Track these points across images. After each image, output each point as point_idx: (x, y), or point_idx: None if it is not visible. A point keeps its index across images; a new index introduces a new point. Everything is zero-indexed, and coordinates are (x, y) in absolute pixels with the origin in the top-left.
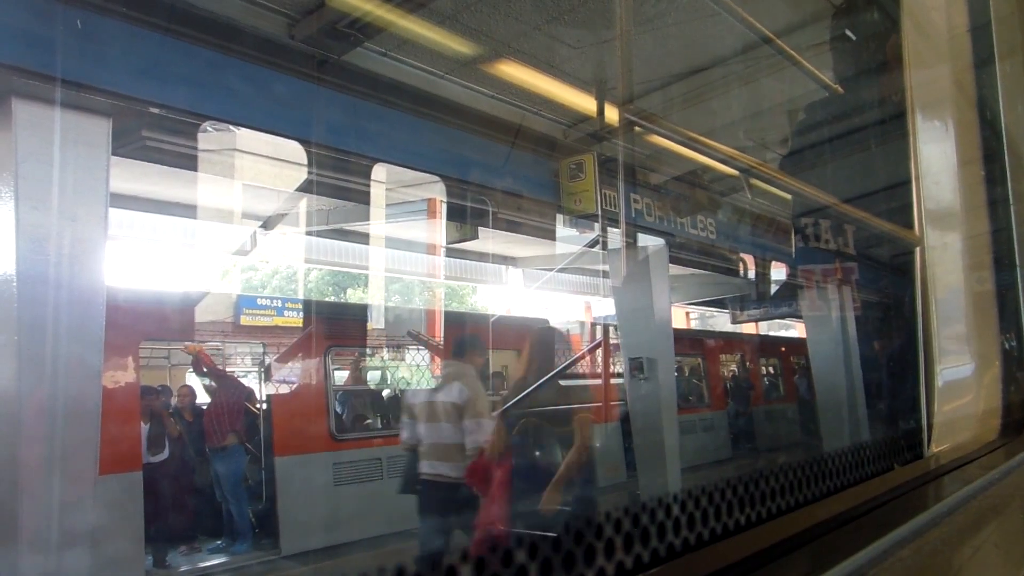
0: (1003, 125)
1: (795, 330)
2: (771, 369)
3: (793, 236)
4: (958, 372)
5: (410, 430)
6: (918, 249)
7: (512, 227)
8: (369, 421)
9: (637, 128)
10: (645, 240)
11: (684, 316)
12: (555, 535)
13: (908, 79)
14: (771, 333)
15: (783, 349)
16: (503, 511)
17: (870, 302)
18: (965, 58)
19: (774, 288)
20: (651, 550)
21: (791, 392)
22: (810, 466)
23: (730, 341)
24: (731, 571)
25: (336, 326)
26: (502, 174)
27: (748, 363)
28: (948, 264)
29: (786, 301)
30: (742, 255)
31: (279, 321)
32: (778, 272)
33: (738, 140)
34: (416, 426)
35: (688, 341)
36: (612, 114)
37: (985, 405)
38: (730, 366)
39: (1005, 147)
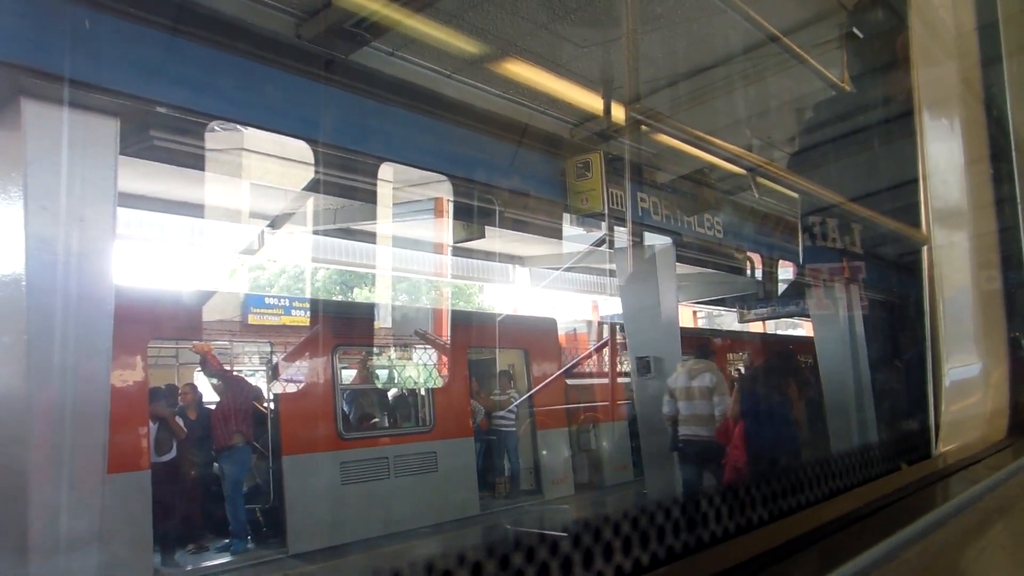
0: (1011, 123)
1: (803, 329)
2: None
3: (800, 235)
4: (966, 371)
5: (672, 406)
6: (925, 248)
7: (519, 226)
8: (376, 420)
9: (644, 127)
10: (652, 239)
11: (691, 315)
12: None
13: (916, 77)
14: (778, 332)
15: (790, 347)
16: (741, 456)
17: (877, 301)
18: (972, 56)
19: (781, 287)
20: (657, 550)
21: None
22: (816, 466)
23: (735, 340)
24: (738, 571)
25: (343, 325)
26: (509, 173)
27: (753, 361)
28: (955, 263)
29: (793, 300)
30: (749, 254)
31: (286, 320)
32: (785, 271)
33: (745, 139)
34: (677, 403)
35: (692, 340)
36: (619, 113)
37: (993, 404)
38: (736, 364)
39: (1013, 145)
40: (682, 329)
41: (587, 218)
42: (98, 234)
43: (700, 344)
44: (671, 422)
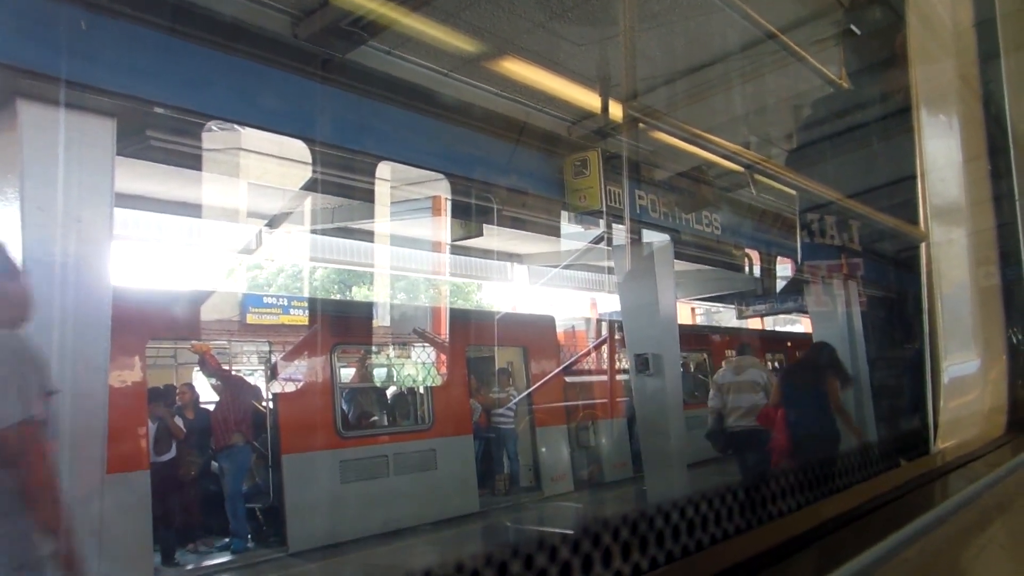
0: (1008, 120)
1: (800, 325)
2: (776, 364)
3: (798, 232)
4: (964, 368)
5: (719, 399)
6: (923, 245)
7: (517, 224)
8: (375, 419)
9: (641, 124)
10: (650, 236)
11: (690, 312)
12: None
13: (913, 74)
14: (776, 328)
15: (788, 344)
16: (783, 442)
17: (875, 298)
18: (970, 53)
19: (778, 284)
20: (655, 552)
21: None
22: (816, 465)
23: (732, 336)
24: (738, 571)
25: (341, 324)
26: (506, 171)
27: (787, 357)
28: (953, 260)
29: (791, 297)
30: (747, 251)
31: (285, 320)
32: (782, 268)
33: (743, 136)
34: (725, 396)
35: (688, 337)
36: (616, 110)
37: (991, 401)
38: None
39: (1011, 142)
40: (729, 329)
41: (585, 216)
42: (95, 234)
43: (742, 342)
44: (716, 414)
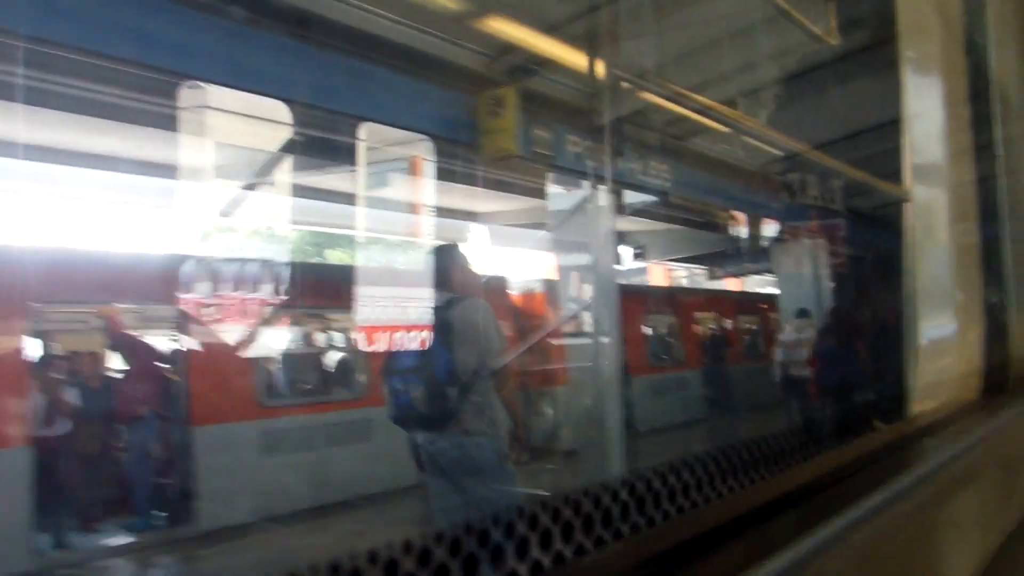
0: (991, 67)
1: (772, 287)
2: (751, 326)
3: (781, 189)
4: (941, 331)
5: (784, 353)
6: (903, 203)
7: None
8: (302, 387)
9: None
10: (587, 188)
11: (663, 273)
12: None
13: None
14: (748, 289)
15: (762, 306)
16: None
17: (848, 257)
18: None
19: (743, 243)
20: (622, 523)
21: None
22: (785, 431)
23: (702, 298)
24: (707, 537)
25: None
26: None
27: (724, 320)
28: (932, 217)
29: (757, 256)
30: (708, 207)
31: None
32: (746, 225)
33: (698, 76)
34: (785, 350)
35: (657, 298)
36: (545, 44)
37: (967, 364)
38: (706, 324)
39: (993, 94)
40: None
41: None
42: None
43: (802, 309)
44: (782, 367)
